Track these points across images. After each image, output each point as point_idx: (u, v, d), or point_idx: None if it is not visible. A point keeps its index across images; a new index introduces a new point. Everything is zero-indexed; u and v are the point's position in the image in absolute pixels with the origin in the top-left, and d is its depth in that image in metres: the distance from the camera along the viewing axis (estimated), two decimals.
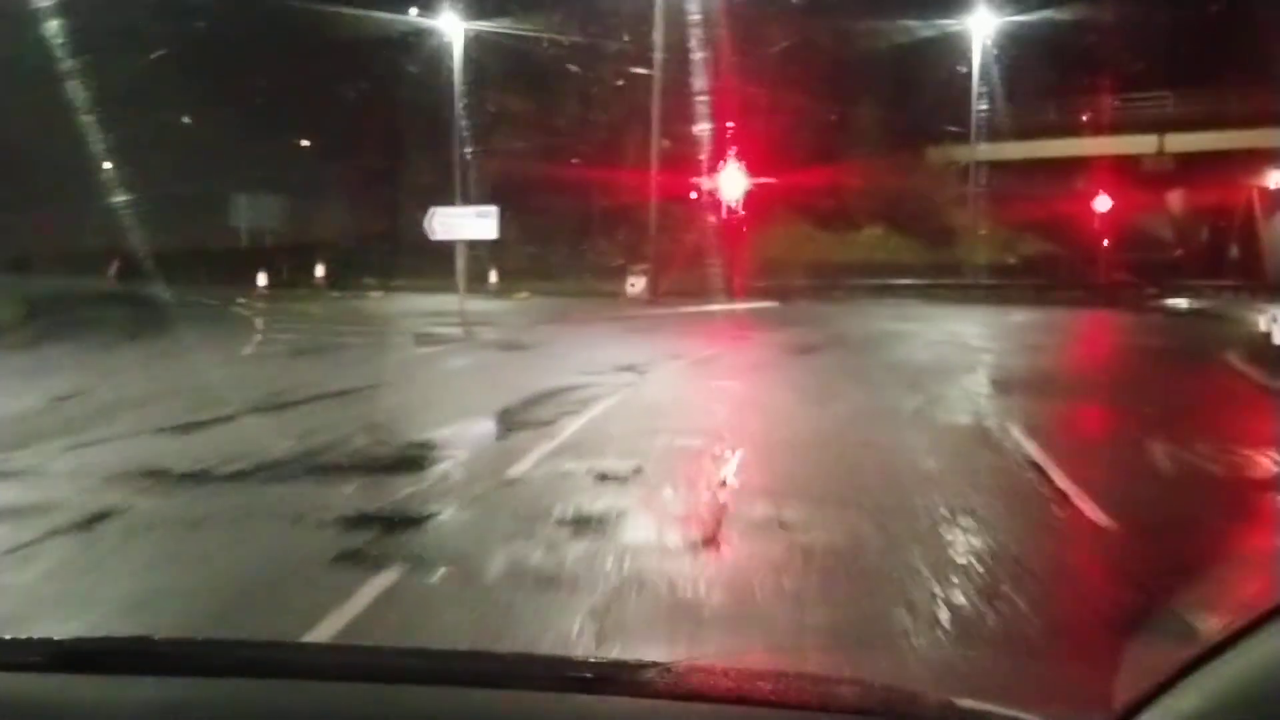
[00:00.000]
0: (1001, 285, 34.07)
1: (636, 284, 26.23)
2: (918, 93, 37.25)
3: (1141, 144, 36.34)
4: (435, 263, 34.19)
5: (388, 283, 31.97)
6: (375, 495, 5.69)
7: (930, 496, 5.73)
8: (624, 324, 19.51)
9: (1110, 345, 18.92)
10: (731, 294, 26.95)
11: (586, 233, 38.51)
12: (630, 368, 12.26)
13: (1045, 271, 36.49)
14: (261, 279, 29.97)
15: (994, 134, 36.52)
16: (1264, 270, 36.92)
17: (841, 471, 6.52)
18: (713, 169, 33.28)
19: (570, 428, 8.07)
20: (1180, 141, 35.95)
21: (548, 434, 7.73)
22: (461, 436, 7.77)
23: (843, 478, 6.31)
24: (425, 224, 20.64)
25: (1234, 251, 37.07)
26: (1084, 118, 36.74)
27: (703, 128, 34.59)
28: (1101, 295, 31.04)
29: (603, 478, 6.19)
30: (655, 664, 1.42)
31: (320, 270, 32.57)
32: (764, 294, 27.35)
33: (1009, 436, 7.94)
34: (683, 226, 31.97)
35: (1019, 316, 24.78)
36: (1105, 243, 34.85)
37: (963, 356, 15.26)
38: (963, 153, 37.50)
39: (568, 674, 1.45)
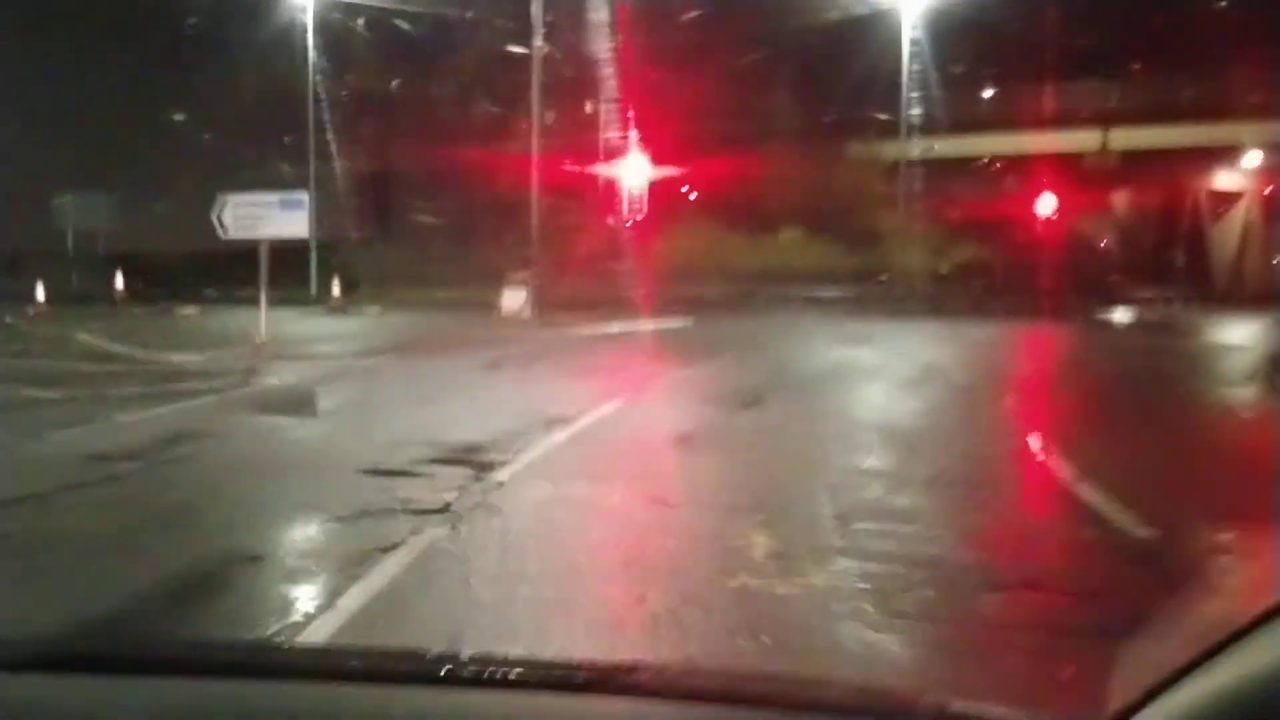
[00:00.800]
0: (936, 295, 30.67)
1: (515, 298, 20.84)
2: (840, 81, 33.18)
3: (1083, 139, 32.85)
4: (291, 268, 29.02)
5: (229, 293, 26.30)
6: None
7: None
8: (492, 355, 14.16)
9: (1142, 378, 14.50)
10: (635, 309, 21.92)
11: (471, 233, 33.05)
12: (469, 455, 7.02)
13: (982, 279, 33.04)
14: (40, 292, 23.50)
15: (924, 128, 32.59)
16: (1211, 279, 34.12)
17: None
18: (610, 159, 28.40)
19: None
20: (1125, 138, 32.62)
21: None
22: None
23: None
24: (213, 218, 14.96)
25: (1179, 259, 33.95)
26: (1022, 110, 33.00)
27: (598, 114, 29.82)
28: (1047, 307, 27.56)
29: None
30: (649, 665, 1.53)
31: (120, 281, 26.15)
32: (673, 308, 22.37)
33: None
34: (576, 227, 26.79)
35: (975, 332, 21.06)
36: (1104, 243, 31.52)
37: (972, 408, 10.52)
38: (890, 148, 33.46)
39: (561, 675, 1.44)
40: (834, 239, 33.50)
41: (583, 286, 23.10)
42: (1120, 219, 34.83)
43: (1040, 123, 32.30)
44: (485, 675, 1.38)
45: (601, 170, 28.48)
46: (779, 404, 10.23)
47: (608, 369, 13.04)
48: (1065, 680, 2.08)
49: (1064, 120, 32.13)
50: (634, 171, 28.42)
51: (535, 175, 22.34)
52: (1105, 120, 32.73)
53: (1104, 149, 32.90)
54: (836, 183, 33.40)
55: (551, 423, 8.59)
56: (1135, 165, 32.67)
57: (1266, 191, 33.54)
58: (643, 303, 22.97)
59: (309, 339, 16.18)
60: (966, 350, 17.60)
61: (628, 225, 27.19)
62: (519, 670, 1.45)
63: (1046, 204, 32.34)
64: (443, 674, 1.41)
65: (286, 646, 2.55)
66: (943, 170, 32.63)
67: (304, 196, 14.79)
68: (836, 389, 11.64)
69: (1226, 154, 33.00)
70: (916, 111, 31.82)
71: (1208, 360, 18.01)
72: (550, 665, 1.72)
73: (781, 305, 27.02)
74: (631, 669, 1.40)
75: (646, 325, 20.50)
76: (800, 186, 32.79)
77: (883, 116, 33.04)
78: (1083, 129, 32.56)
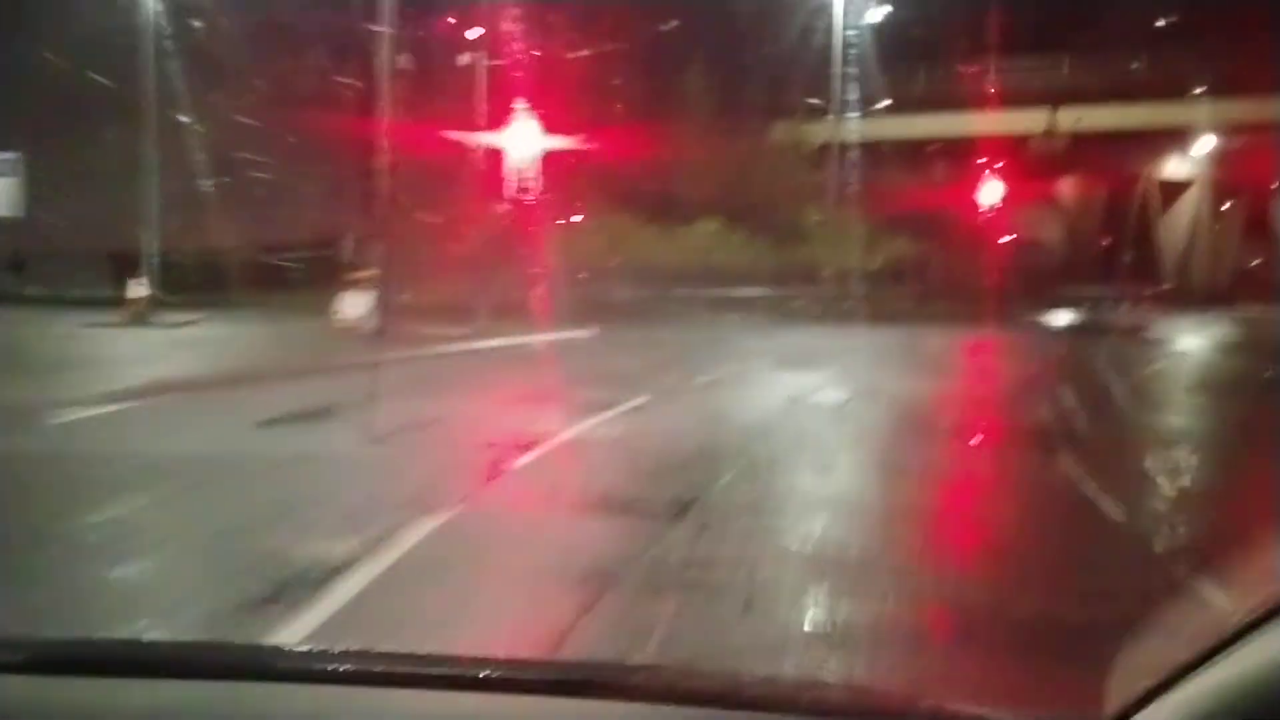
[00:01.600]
0: (870, 297, 27.31)
1: (357, 303, 16.11)
2: (764, 54, 29.45)
3: (1030, 120, 29.71)
4: (128, 263, 24.08)
5: (60, 293, 22.04)
6: None
7: None
8: (290, 398, 9.56)
9: (1170, 401, 10.82)
10: (521, 317, 17.49)
11: (335, 223, 28.07)
12: None
13: (919, 278, 29.80)
14: None
15: (857, 107, 28.99)
16: (1160, 275, 31.67)
17: None
18: (496, 136, 23.92)
19: None
20: (1073, 119, 29.63)
21: None
22: None
23: None
24: None
25: (1128, 254, 31.25)
26: (963, 88, 29.69)
27: (479, 83, 25.31)
28: (990, 309, 24.56)
29: None
30: (646, 667, 1.50)
31: None
32: (571, 315, 18.03)
33: None
34: (450, 216, 22.11)
35: (929, 345, 18.30)
36: (1050, 236, 28.48)
37: (1029, 499, 6.49)
38: (819, 130, 29.77)
39: (557, 677, 1.41)
40: (756, 232, 29.70)
41: (454, 288, 18.53)
42: (1067, 210, 31.95)
43: (984, 102, 29.10)
44: (479, 677, 1.36)
45: (485, 149, 23.95)
46: (728, 509, 5.91)
47: (456, 426, 8.59)
48: (1064, 681, 1.87)
49: (1009, 99, 29.00)
50: (525, 152, 23.94)
51: (385, 149, 17.63)
52: (1053, 99, 29.71)
53: (1051, 130, 29.81)
54: (759, 168, 29.60)
55: (281, 592, 4.13)
56: (1082, 152, 29.84)
57: (1217, 181, 31.07)
58: (533, 308, 18.58)
59: (38, 367, 11.25)
60: (937, 377, 14.04)
61: (516, 214, 22.71)
62: (516, 672, 1.42)
63: (989, 193, 29.18)
64: (440, 676, 1.38)
65: (283, 649, 2.50)
66: (876, 155, 29.20)
67: (10, 157, 9.82)
68: (804, 465, 7.46)
69: (1177, 139, 30.36)
70: (849, 88, 28.18)
71: (1224, 378, 14.91)
72: (548, 667, 1.62)
73: (700, 310, 23.16)
74: (630, 670, 1.42)
75: (535, 339, 16.08)
76: (719, 172, 28.87)
77: (812, 96, 29.44)
78: (1029, 108, 29.47)
